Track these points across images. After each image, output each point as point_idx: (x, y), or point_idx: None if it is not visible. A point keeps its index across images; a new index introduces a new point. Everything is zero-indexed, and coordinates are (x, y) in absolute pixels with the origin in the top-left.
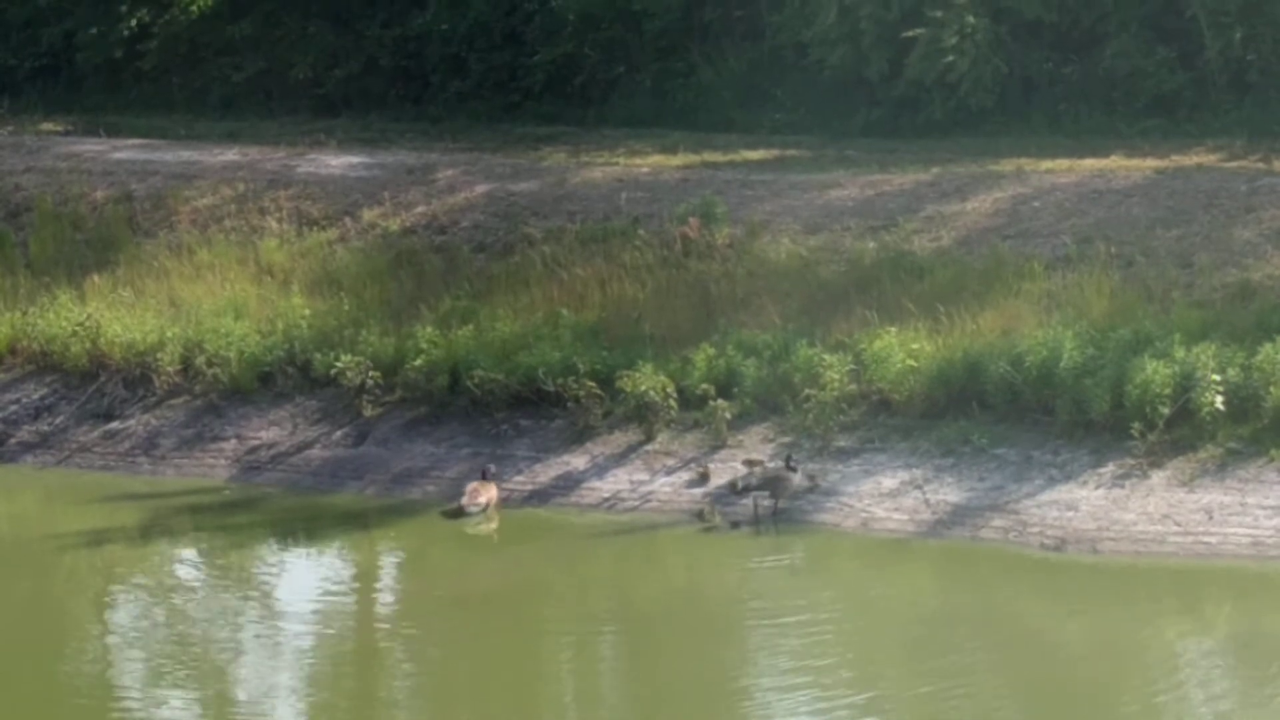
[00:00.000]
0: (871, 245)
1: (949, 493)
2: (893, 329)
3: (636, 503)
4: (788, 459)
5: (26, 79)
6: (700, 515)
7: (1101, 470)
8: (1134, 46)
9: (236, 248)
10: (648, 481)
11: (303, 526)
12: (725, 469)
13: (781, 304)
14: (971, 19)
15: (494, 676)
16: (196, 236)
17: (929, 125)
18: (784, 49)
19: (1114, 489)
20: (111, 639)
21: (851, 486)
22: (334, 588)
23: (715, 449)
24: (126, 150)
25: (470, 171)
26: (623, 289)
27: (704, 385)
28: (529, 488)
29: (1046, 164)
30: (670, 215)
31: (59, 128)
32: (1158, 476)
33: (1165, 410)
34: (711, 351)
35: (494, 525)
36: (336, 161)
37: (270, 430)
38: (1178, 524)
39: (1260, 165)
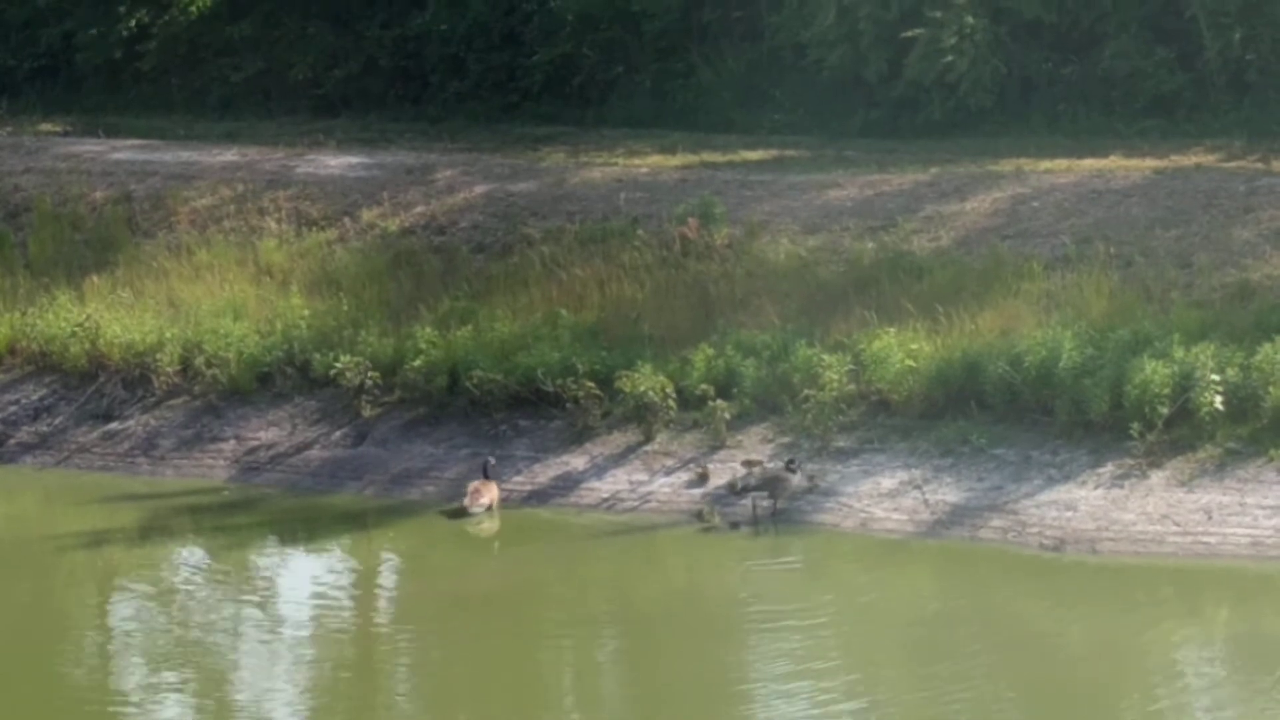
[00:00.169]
0: (870, 245)
1: (948, 493)
2: (892, 329)
3: (636, 503)
4: (789, 461)
5: (26, 79)
6: (699, 516)
7: (1100, 470)
8: (1133, 47)
9: (235, 248)
10: (647, 482)
11: (302, 527)
12: (724, 469)
13: (780, 304)
14: (970, 19)
15: (493, 677)
16: (195, 237)
17: (928, 125)
18: (783, 49)
19: (1113, 489)
20: (111, 640)
21: (850, 487)
22: (333, 588)
23: (714, 449)
24: (125, 151)
25: (469, 172)
26: (622, 289)
27: (703, 386)
28: (528, 488)
29: (1045, 164)
30: (669, 215)
31: (58, 128)
32: (1157, 476)
33: (1164, 410)
34: (710, 352)
35: (495, 526)
36: (335, 162)
37: (269, 431)
38: (1177, 524)
39: (1259, 165)
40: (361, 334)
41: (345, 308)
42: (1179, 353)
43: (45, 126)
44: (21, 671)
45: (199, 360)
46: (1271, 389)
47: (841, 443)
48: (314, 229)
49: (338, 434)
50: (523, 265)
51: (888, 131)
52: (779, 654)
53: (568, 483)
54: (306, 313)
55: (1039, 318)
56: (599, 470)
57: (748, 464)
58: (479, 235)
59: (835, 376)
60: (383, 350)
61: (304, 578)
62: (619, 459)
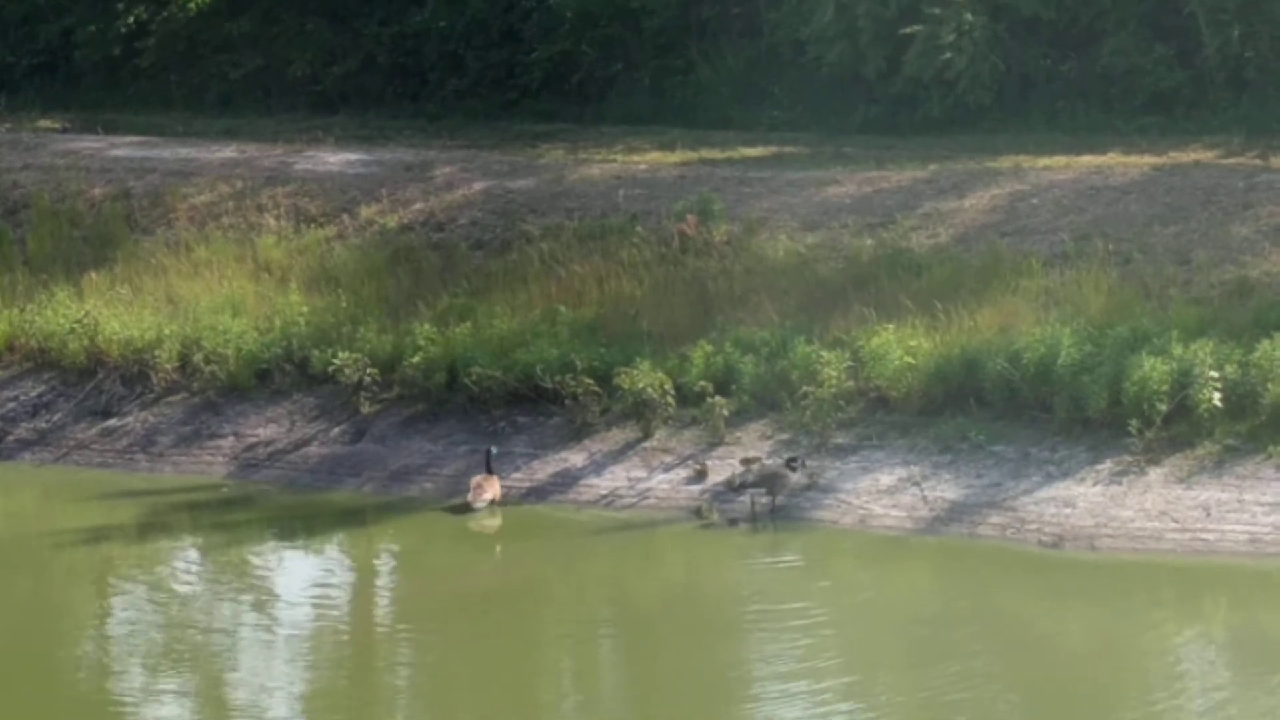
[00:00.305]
0: (869, 242)
1: (947, 490)
2: (890, 326)
3: (634, 500)
4: (791, 459)
5: (24, 76)
6: (698, 512)
7: (1099, 467)
8: (1132, 44)
9: (234, 245)
10: (645, 479)
11: (300, 524)
12: (723, 466)
13: (779, 301)
14: (969, 16)
15: (492, 674)
16: (194, 234)
17: (927, 122)
18: (781, 46)
19: (1112, 486)
20: (109, 637)
21: (849, 483)
22: (332, 585)
23: (713, 446)
24: (124, 147)
25: (468, 169)
26: (620, 286)
27: (702, 382)
28: (527, 485)
29: (1044, 161)
30: (668, 212)
31: (56, 125)
32: (1155, 473)
33: (1163, 407)
34: (709, 348)
35: (494, 523)
36: (334, 159)
37: (268, 427)
38: (1175, 521)
39: (1258, 162)
40: (360, 331)
41: (344, 304)
42: (1177, 350)
43: (44, 123)
44: (20, 669)
45: (197, 357)
46: (1270, 386)
47: (840, 439)
48: (313, 226)
49: (336, 431)
50: (521, 262)
51: (886, 128)
52: (777, 651)
53: (566, 479)
54: (305, 309)
55: (1038, 315)
56: (598, 467)
57: (746, 461)
58: (478, 232)
59: (834, 373)
60: (381, 347)
61: (302, 575)
62: (618, 456)
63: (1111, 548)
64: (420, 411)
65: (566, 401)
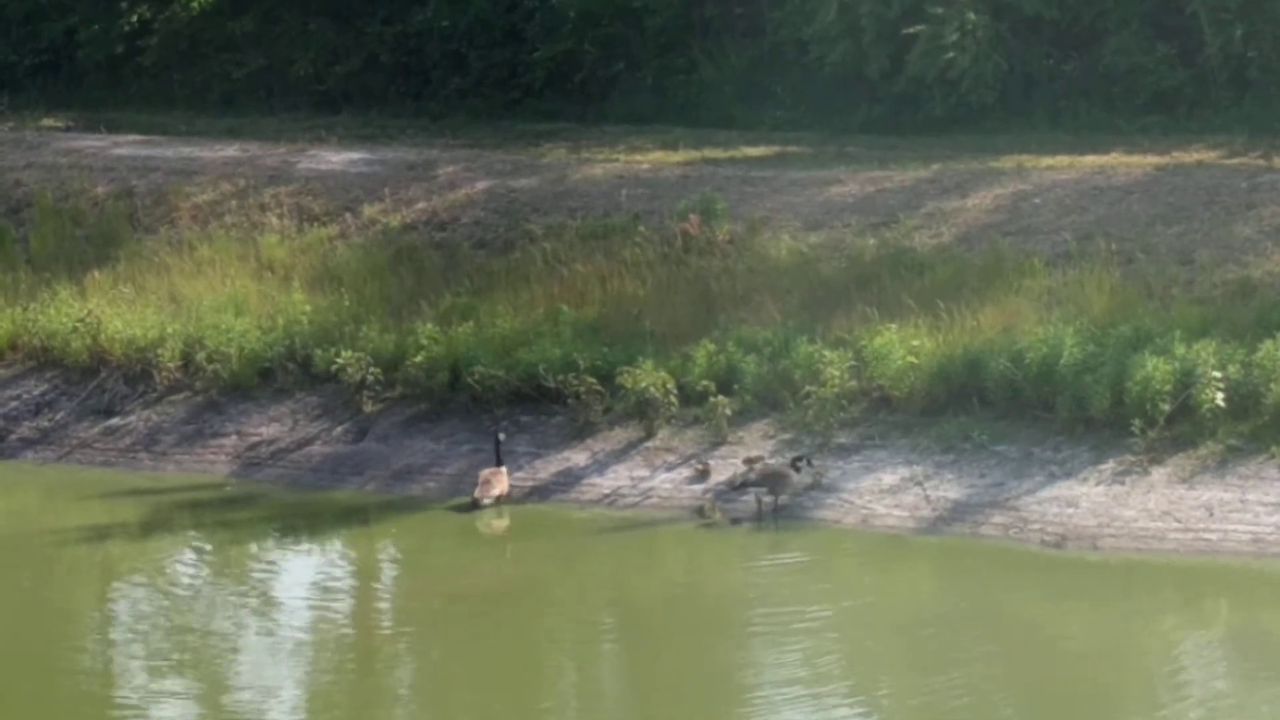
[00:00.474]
0: (872, 242)
1: (949, 489)
2: (893, 325)
3: (637, 499)
4: (796, 458)
5: (27, 75)
6: (700, 512)
7: (1102, 467)
8: (1134, 43)
9: (237, 244)
10: (648, 478)
11: (303, 523)
12: (726, 465)
13: (782, 300)
14: (972, 16)
15: (493, 674)
16: (197, 232)
17: (929, 122)
18: (784, 45)
19: (1114, 486)
20: (112, 635)
21: (852, 483)
22: (334, 584)
23: (715, 445)
24: (127, 146)
25: (471, 168)
26: (623, 285)
27: (704, 382)
28: (529, 484)
29: (1047, 161)
30: (671, 212)
31: (60, 124)
32: (1158, 473)
33: (1166, 407)
34: (712, 348)
35: (496, 521)
36: (337, 158)
37: (271, 426)
38: (1178, 521)
39: (1260, 162)
40: (363, 330)
41: (347, 303)
42: (1180, 349)
43: (47, 122)
44: (23, 667)
45: (200, 356)
46: (1273, 386)
47: (843, 439)
48: (315, 225)
49: (339, 430)
50: (524, 261)
51: (889, 128)
52: (780, 651)
53: (569, 479)
54: (308, 308)
55: (1040, 314)
56: (600, 466)
57: (749, 460)
58: (480, 231)
59: (836, 373)
60: (384, 346)
61: (304, 574)
62: (620, 455)
63: (1114, 547)
64: (423, 411)
65: (569, 401)
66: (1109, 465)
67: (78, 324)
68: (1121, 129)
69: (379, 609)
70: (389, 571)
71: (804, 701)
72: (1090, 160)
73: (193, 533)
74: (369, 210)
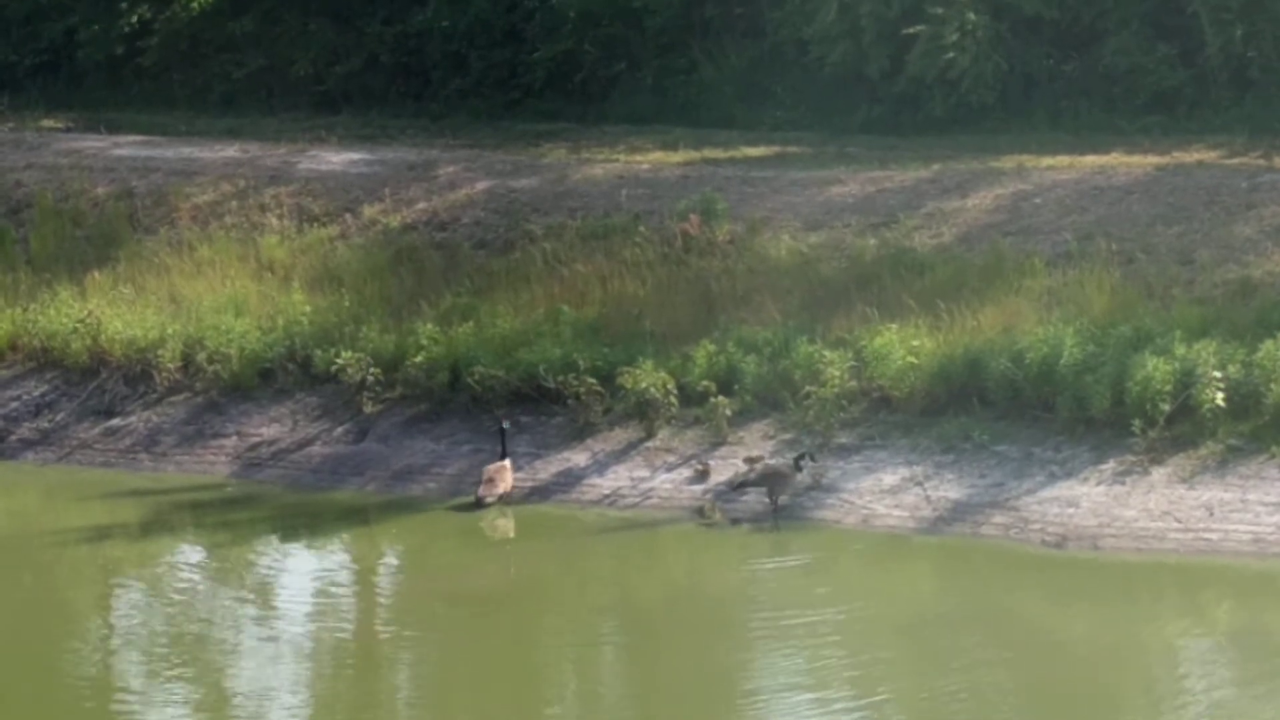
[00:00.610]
0: (872, 242)
1: (950, 489)
2: (893, 326)
3: (637, 499)
4: (799, 457)
5: (27, 75)
6: (701, 512)
7: (1102, 467)
8: (1134, 43)
9: (237, 244)
10: (648, 478)
11: (303, 523)
12: (726, 466)
13: (782, 301)
14: (972, 16)
15: (494, 675)
16: (197, 233)
17: (929, 122)
18: (785, 46)
19: (1115, 486)
20: (112, 636)
21: (852, 483)
22: (334, 584)
23: (716, 446)
24: (127, 147)
25: (471, 168)
26: (623, 286)
27: (704, 382)
28: (529, 484)
29: (1047, 161)
30: (671, 212)
31: (60, 124)
32: (1158, 473)
33: (1166, 407)
34: (712, 348)
35: (502, 521)
36: (337, 158)
37: (271, 427)
38: (1178, 521)
39: (1261, 162)
40: (363, 330)
41: (347, 304)
42: (1180, 349)
43: (47, 122)
44: (23, 668)
45: (200, 356)
46: (1273, 386)
47: (843, 439)
48: (316, 225)
49: (339, 430)
50: (524, 261)
51: (889, 128)
52: (780, 652)
53: (569, 479)
54: (308, 309)
55: (1041, 314)
56: (600, 467)
57: (749, 460)
58: (481, 231)
59: (837, 373)
60: (384, 346)
61: (305, 574)
62: (620, 455)
63: (1115, 547)
64: (423, 411)
65: (569, 401)
66: (1109, 465)
67: (78, 325)
68: (1122, 129)
69: (379, 610)
70: (389, 572)
71: (804, 702)
72: (1090, 160)
73: (193, 534)
74: (369, 210)
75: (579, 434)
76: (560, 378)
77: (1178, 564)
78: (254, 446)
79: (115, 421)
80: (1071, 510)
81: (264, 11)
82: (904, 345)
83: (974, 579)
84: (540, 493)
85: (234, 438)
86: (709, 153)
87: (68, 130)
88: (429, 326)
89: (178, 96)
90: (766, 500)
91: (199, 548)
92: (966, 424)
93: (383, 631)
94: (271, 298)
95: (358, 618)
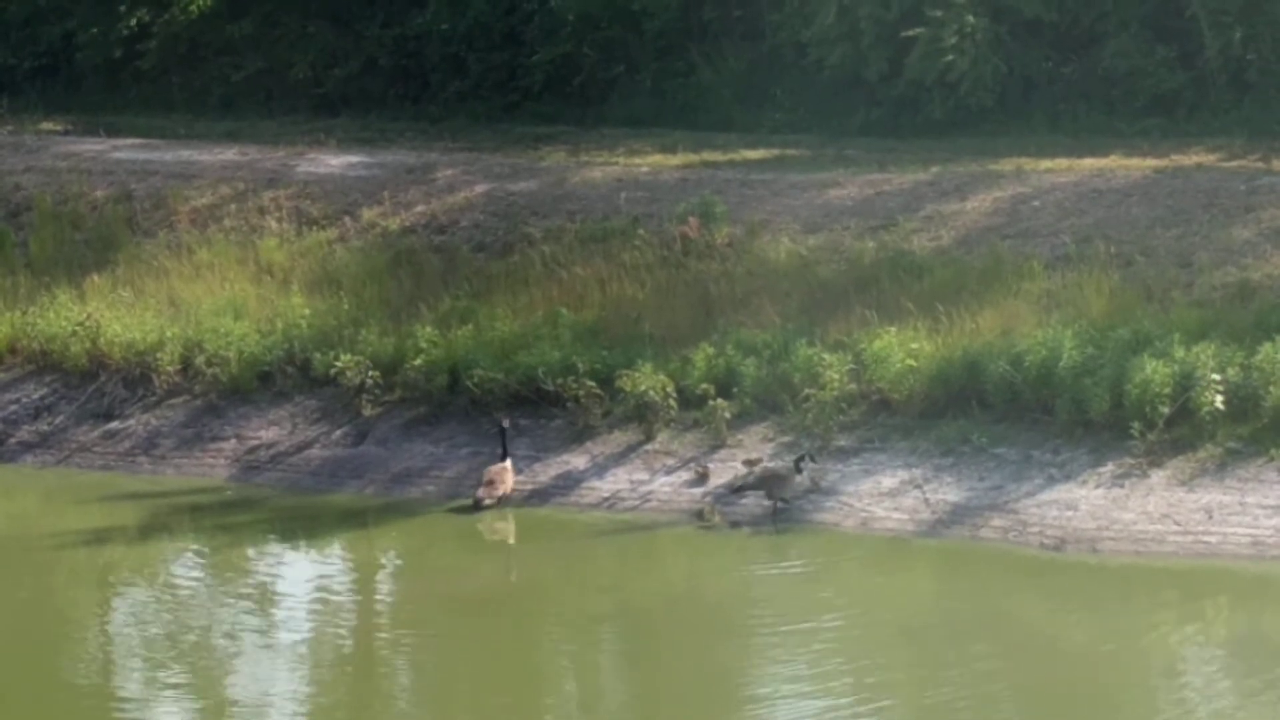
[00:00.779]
0: (871, 245)
1: (948, 492)
2: (892, 328)
3: (636, 502)
4: (799, 458)
5: (26, 78)
6: (700, 515)
7: (1101, 470)
8: (1133, 46)
9: (236, 247)
10: (647, 481)
11: (302, 526)
12: (725, 468)
13: (781, 303)
14: (971, 18)
15: (493, 677)
16: (196, 236)
17: (928, 125)
18: (783, 48)
19: (1114, 488)
20: (111, 639)
21: (851, 486)
22: (333, 587)
23: (715, 449)
24: (126, 150)
25: (469, 171)
26: (622, 288)
27: (703, 385)
28: (529, 487)
29: (1046, 163)
30: (670, 215)
31: (58, 127)
32: (1157, 476)
33: (1165, 410)
34: (711, 351)
35: (501, 524)
36: (336, 161)
37: (270, 430)
38: (1177, 523)
39: (1260, 165)
40: (362, 333)
41: (346, 307)
42: (1179, 352)
43: (46, 125)
44: (22, 671)
45: (199, 359)
46: (1272, 388)
47: (842, 442)
48: (314, 228)
49: (338, 433)
50: (523, 264)
51: (888, 131)
52: (779, 655)
53: (568, 482)
54: (307, 312)
55: (1039, 317)
56: (600, 469)
57: (749, 463)
58: (479, 234)
59: (836, 376)
60: (383, 349)
61: (304, 577)
62: (619, 458)
63: (1113, 550)
64: (422, 414)
65: (568, 404)
66: (1108, 468)
67: (77, 327)
68: (1121, 132)
69: (378, 612)
70: (388, 575)
71: (804, 704)
72: (1089, 163)
73: (192, 536)
74: (368, 213)
75: (578, 437)
76: (559, 380)
77: (1176, 567)
78: (253, 449)
79: (114, 424)
80: (1070, 513)
81: (263, 14)
82: (903, 348)
83: (973, 582)
84: (539, 495)
85: (233, 440)
86: (708, 155)
87: (66, 133)
88: (428, 329)
89: (176, 99)
90: (766, 502)
91: (198, 550)
92: (965, 427)
93: (382, 634)
94: (270, 300)
95: (357, 620)
